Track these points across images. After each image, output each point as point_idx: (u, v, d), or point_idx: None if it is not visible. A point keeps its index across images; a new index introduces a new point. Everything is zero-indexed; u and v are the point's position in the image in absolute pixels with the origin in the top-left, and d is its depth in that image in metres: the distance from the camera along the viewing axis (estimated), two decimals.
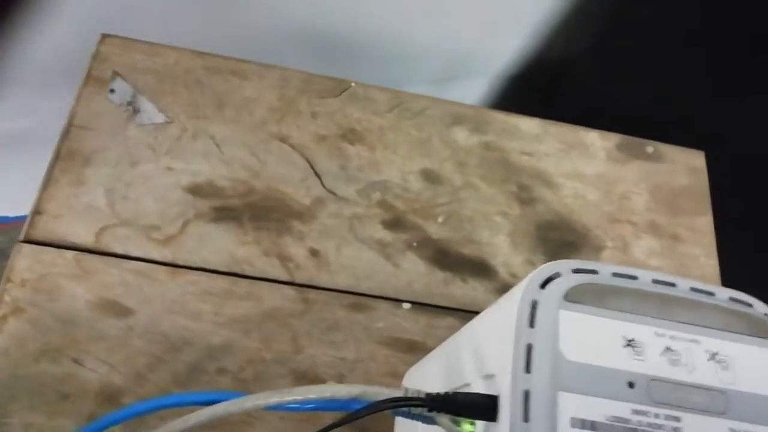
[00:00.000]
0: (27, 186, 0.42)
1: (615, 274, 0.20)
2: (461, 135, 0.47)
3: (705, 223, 0.48)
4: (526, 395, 0.18)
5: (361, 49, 0.65)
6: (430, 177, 0.45)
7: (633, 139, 0.51)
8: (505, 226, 0.45)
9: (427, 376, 0.31)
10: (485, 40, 0.70)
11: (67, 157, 0.41)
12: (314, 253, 0.41)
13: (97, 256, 0.38)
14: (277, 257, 0.40)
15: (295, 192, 0.42)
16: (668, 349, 0.19)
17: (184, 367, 0.36)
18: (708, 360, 0.19)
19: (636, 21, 0.63)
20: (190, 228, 0.40)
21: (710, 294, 0.20)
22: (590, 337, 0.19)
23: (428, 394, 0.20)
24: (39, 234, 0.38)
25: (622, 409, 0.18)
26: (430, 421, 0.22)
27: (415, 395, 0.21)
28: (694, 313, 0.20)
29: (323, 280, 0.40)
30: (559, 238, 0.45)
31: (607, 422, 0.17)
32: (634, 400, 0.18)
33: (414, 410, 0.21)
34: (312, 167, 0.43)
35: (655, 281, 0.20)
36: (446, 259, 0.42)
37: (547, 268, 0.20)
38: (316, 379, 0.37)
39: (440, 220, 0.44)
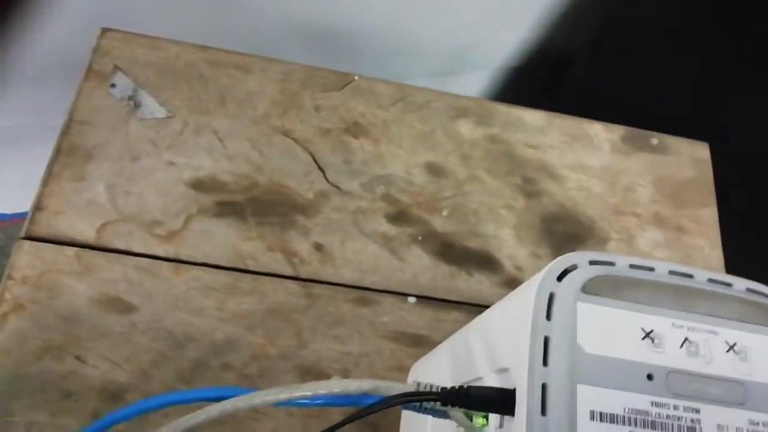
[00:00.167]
0: (25, 183, 0.41)
1: (632, 266, 0.20)
2: (465, 128, 0.47)
3: (710, 214, 0.48)
4: (544, 388, 0.18)
5: (363, 44, 0.65)
6: (434, 170, 0.45)
7: (637, 131, 0.51)
8: (510, 219, 0.44)
9: (434, 371, 0.30)
10: (486, 33, 0.69)
11: (68, 152, 0.40)
12: (318, 247, 0.40)
13: (99, 252, 0.38)
14: (281, 252, 0.40)
15: (299, 186, 0.42)
16: (686, 340, 0.19)
17: (188, 364, 0.36)
18: (726, 351, 0.19)
19: (638, 12, 0.63)
20: (192, 223, 0.40)
21: (728, 285, 0.20)
22: (608, 330, 0.18)
23: (443, 389, 0.20)
24: (40, 230, 0.38)
25: (641, 402, 0.17)
26: (442, 415, 0.22)
27: (429, 390, 0.20)
28: (712, 304, 0.20)
29: (328, 274, 0.40)
30: (564, 231, 0.45)
31: (626, 415, 0.17)
32: (652, 392, 0.18)
33: (427, 404, 0.21)
34: (315, 161, 0.43)
35: (672, 272, 0.20)
36: (451, 252, 0.42)
37: (563, 260, 0.20)
38: (321, 374, 0.37)
39: (445, 213, 0.43)
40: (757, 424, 0.18)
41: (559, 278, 0.19)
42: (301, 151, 0.43)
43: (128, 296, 0.37)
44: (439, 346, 0.31)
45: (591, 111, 0.51)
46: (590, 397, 0.17)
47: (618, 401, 0.17)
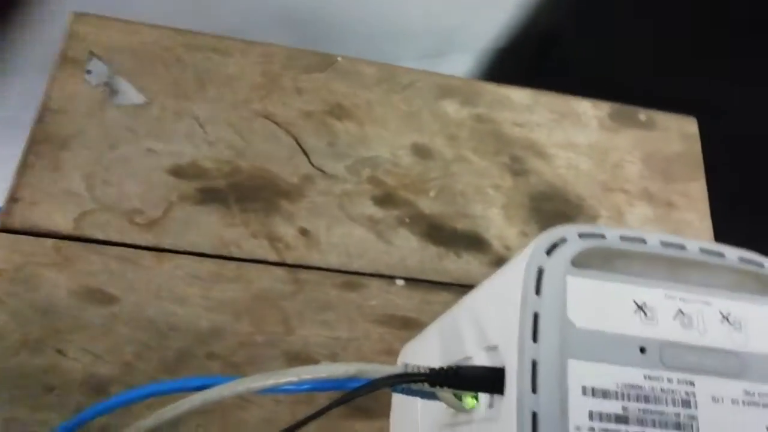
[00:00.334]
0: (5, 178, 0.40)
1: (623, 238, 0.19)
2: (451, 108, 0.46)
3: (698, 188, 0.48)
4: (534, 365, 0.17)
5: (346, 26, 0.63)
6: (420, 151, 0.44)
7: (625, 107, 0.50)
8: (498, 198, 0.44)
9: (424, 352, 0.30)
10: (472, 14, 0.68)
11: (43, 141, 0.39)
12: (304, 232, 0.40)
13: (78, 243, 0.37)
14: (266, 238, 0.39)
15: (282, 170, 0.41)
16: (680, 312, 0.18)
17: (172, 354, 0.35)
18: (720, 322, 0.18)
19: None
20: (174, 211, 0.39)
21: (720, 255, 0.19)
22: (599, 303, 0.18)
23: (431, 369, 0.20)
24: (16, 222, 0.37)
25: (634, 376, 0.17)
26: (432, 396, 0.21)
27: (416, 371, 0.20)
28: (705, 274, 0.19)
29: (314, 259, 0.39)
30: (553, 209, 0.44)
31: (619, 389, 0.17)
32: (646, 365, 0.17)
33: (415, 386, 0.20)
34: (299, 144, 0.42)
35: (664, 243, 0.19)
36: (439, 234, 0.42)
37: (552, 234, 0.19)
38: (309, 360, 0.36)
39: (432, 194, 0.43)
40: (753, 394, 0.17)
41: (548, 252, 0.19)
42: (284, 135, 0.42)
43: (109, 287, 0.36)
44: (428, 328, 0.31)
45: (578, 88, 0.50)
46: (582, 373, 0.17)
47: (610, 376, 0.17)
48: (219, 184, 0.40)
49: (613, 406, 0.16)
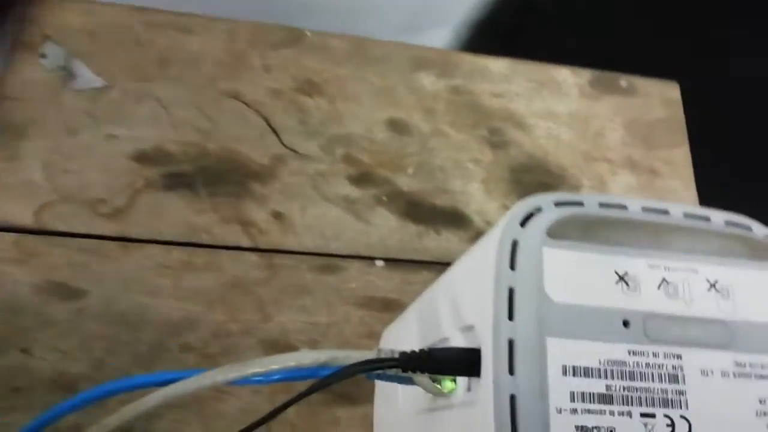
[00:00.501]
0: None
1: (602, 205, 0.18)
2: (427, 80, 0.45)
3: (682, 155, 0.47)
4: (511, 345, 0.16)
5: (313, 1, 0.61)
6: (396, 127, 0.43)
7: (606, 73, 0.49)
8: (477, 172, 0.42)
9: (404, 335, 0.29)
10: None
11: None
12: (277, 215, 0.38)
13: (39, 236, 0.35)
14: (238, 223, 0.37)
15: (252, 152, 0.39)
16: (664, 281, 0.17)
17: (145, 348, 0.34)
18: (707, 290, 0.17)
19: None
20: (139, 198, 0.37)
21: (705, 219, 0.18)
22: (578, 275, 0.17)
23: (402, 353, 0.18)
24: None
25: (618, 351, 0.16)
26: (409, 381, 0.20)
27: (389, 356, 0.18)
28: (690, 240, 0.18)
29: (289, 243, 0.37)
30: (535, 181, 0.43)
31: (602, 367, 0.16)
32: (629, 340, 0.16)
33: (389, 372, 0.19)
34: (269, 124, 0.40)
35: (646, 209, 0.18)
36: (418, 211, 0.40)
37: (526, 204, 0.18)
38: (288, 348, 0.35)
39: (410, 171, 0.41)
40: (743, 365, 0.16)
41: (523, 223, 0.18)
42: (253, 114, 0.40)
43: (74, 281, 0.34)
44: (408, 309, 0.30)
45: (557, 57, 0.49)
46: (561, 351, 0.16)
47: (592, 353, 0.16)
48: (186, 169, 0.38)
49: (596, 385, 0.15)
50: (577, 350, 0.15)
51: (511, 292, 0.17)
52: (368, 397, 0.34)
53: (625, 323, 0.16)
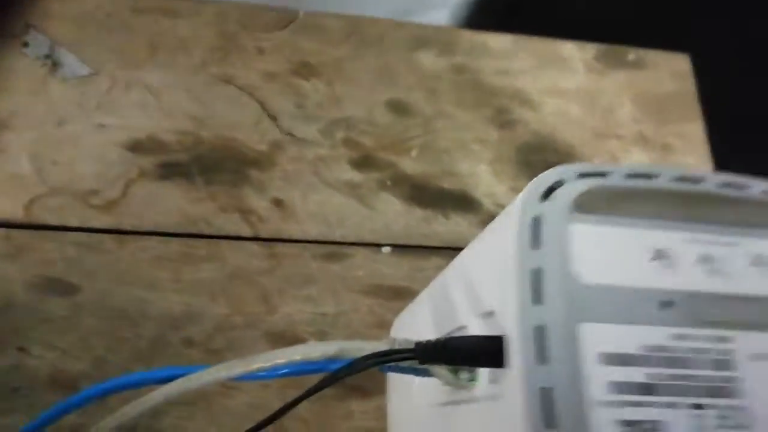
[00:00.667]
0: None
1: (629, 175, 0.16)
2: (428, 59, 0.43)
3: (696, 129, 0.45)
4: (540, 331, 0.14)
5: None
6: (398, 108, 0.41)
7: (612, 47, 0.47)
8: (484, 153, 0.41)
9: (417, 324, 0.27)
10: None
11: None
12: (278, 203, 0.37)
13: (30, 230, 0.34)
14: (237, 211, 0.36)
15: (249, 138, 0.38)
16: (704, 257, 0.16)
17: (146, 343, 0.32)
18: (751, 265, 0.16)
19: None
20: (133, 189, 0.35)
21: (744, 187, 0.17)
22: (610, 253, 0.15)
23: (418, 344, 0.17)
24: None
25: (659, 336, 0.14)
26: (425, 373, 0.19)
27: (404, 346, 0.17)
28: (728, 211, 0.16)
29: (291, 231, 0.36)
30: (544, 161, 0.42)
31: (643, 353, 0.14)
32: (672, 322, 0.14)
33: (404, 364, 0.18)
34: (264, 109, 0.39)
35: (679, 178, 0.16)
36: (424, 195, 0.39)
37: (546, 176, 0.16)
38: (295, 340, 0.33)
39: (414, 153, 0.40)
40: None
41: (544, 197, 0.16)
42: (248, 99, 0.39)
43: (68, 276, 0.33)
44: (420, 296, 0.28)
45: (560, 32, 0.47)
46: (596, 337, 0.14)
47: (631, 338, 0.14)
48: (180, 157, 0.37)
49: (637, 374, 0.14)
50: (614, 336, 0.14)
51: (536, 273, 0.15)
52: (382, 389, 0.33)
53: (665, 304, 0.15)
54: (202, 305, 0.34)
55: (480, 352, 0.16)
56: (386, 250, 0.36)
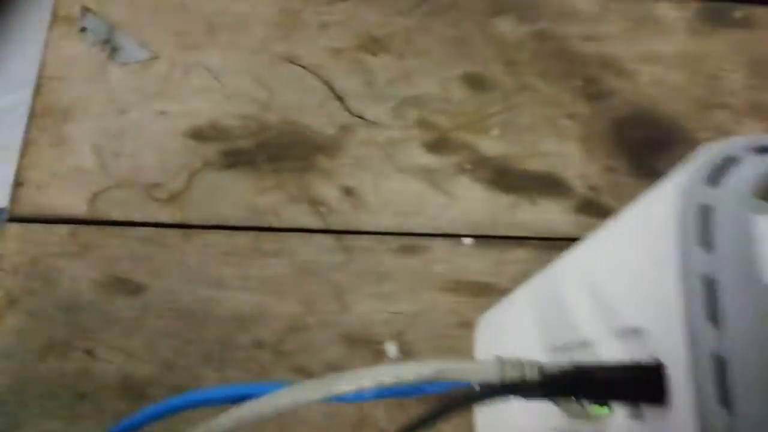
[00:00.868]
0: None
1: None
2: (507, 27, 0.39)
3: None
4: (719, 362, 0.11)
5: None
6: (475, 83, 0.37)
7: (715, 4, 0.41)
8: (574, 129, 0.37)
9: (512, 329, 0.24)
10: None
11: (43, 114, 0.34)
12: (348, 191, 0.34)
13: (95, 226, 0.32)
14: (306, 202, 0.33)
15: (316, 121, 0.35)
16: None
17: (214, 345, 0.30)
18: None
19: None
20: (197, 180, 0.33)
21: None
22: None
23: (545, 373, 0.14)
24: (24, 209, 0.32)
25: None
26: (543, 398, 0.15)
27: (524, 377, 0.14)
28: None
29: (363, 222, 0.33)
30: (642, 137, 0.37)
31: None
32: None
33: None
34: (331, 89, 0.36)
35: None
36: (508, 179, 0.35)
37: (713, 153, 0.13)
38: (370, 341, 0.31)
39: (495, 133, 0.36)
40: None
41: (712, 181, 0.12)
42: (313, 79, 0.36)
43: (135, 274, 0.31)
44: (514, 296, 0.25)
45: None
46: None
47: None
48: (245, 144, 0.34)
49: None
50: None
51: (710, 283, 0.11)
52: None
53: None
54: (271, 304, 0.31)
55: (634, 386, 0.12)
56: (467, 241, 0.33)
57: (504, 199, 0.34)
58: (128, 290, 0.31)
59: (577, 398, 0.13)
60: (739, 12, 0.41)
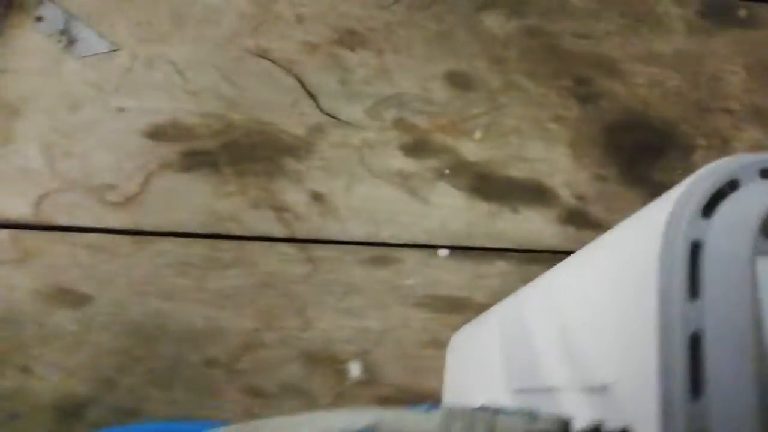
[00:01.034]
0: None
1: None
2: (494, 22, 0.36)
3: None
4: None
5: None
6: (458, 81, 0.35)
7: (719, 1, 0.39)
8: (562, 133, 0.34)
9: (479, 358, 0.21)
10: None
11: None
12: (317, 197, 0.31)
13: (40, 231, 0.30)
14: (270, 208, 0.31)
15: (285, 120, 0.33)
16: None
17: (163, 363, 0.28)
18: None
19: None
20: (154, 182, 0.31)
21: None
22: None
23: None
24: None
25: None
26: None
27: None
28: None
29: (332, 231, 0.31)
30: (636, 142, 0.34)
31: None
32: None
33: None
34: (303, 86, 0.33)
35: None
36: (489, 185, 0.32)
37: (711, 174, 0.10)
38: (332, 360, 0.28)
39: (477, 135, 0.33)
40: None
41: (707, 211, 0.10)
42: (284, 75, 0.33)
43: (80, 284, 0.29)
44: (487, 318, 0.22)
45: None
46: None
47: None
48: (208, 145, 0.32)
49: None
50: None
51: (693, 340, 0.09)
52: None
53: None
54: (227, 319, 0.29)
55: None
56: (443, 253, 0.30)
57: (484, 207, 0.32)
58: (71, 302, 0.29)
59: None
60: (743, 10, 0.39)
